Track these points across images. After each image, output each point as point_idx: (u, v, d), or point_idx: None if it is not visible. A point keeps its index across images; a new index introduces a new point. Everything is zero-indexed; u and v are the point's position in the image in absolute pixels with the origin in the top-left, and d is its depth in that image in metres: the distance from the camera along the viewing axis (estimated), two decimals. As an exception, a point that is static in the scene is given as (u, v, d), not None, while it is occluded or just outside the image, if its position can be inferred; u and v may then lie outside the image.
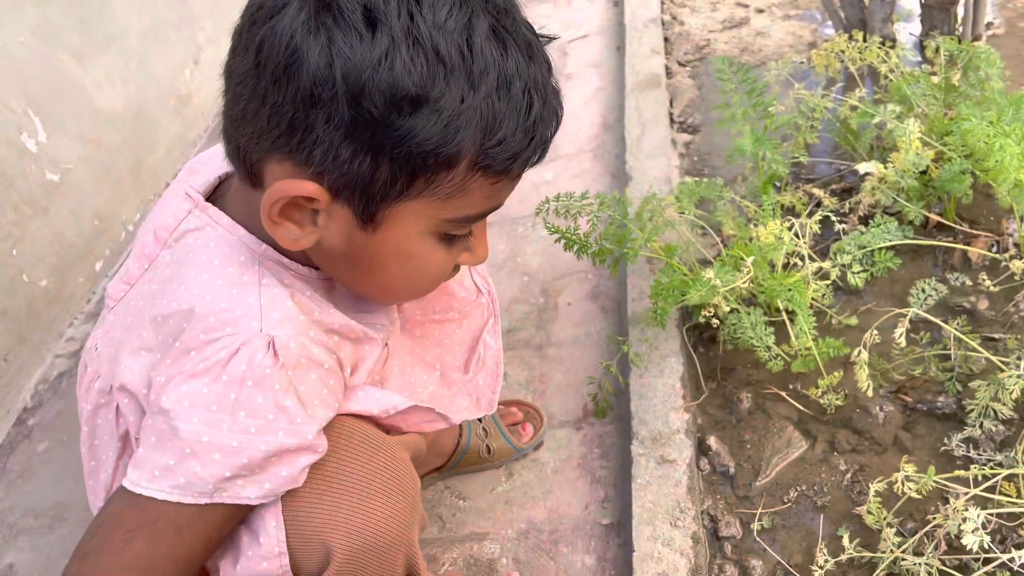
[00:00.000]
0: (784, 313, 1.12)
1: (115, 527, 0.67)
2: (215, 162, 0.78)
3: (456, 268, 0.78)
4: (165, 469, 0.65)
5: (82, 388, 0.79)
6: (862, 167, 1.21)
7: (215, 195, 0.76)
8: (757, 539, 0.98)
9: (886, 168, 1.19)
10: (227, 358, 0.65)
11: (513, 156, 0.64)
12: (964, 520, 0.84)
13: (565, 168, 1.77)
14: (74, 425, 1.53)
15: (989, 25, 1.62)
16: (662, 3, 2.16)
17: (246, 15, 0.62)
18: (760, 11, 1.99)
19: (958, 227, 1.22)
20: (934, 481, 0.89)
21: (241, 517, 0.71)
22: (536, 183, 1.75)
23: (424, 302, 0.95)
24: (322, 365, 0.69)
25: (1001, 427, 0.99)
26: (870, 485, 0.94)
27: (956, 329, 1.01)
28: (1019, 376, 0.92)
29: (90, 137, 1.85)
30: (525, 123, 0.63)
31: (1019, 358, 0.95)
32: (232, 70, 0.63)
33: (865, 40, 1.34)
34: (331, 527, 0.71)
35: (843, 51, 1.33)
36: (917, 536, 0.89)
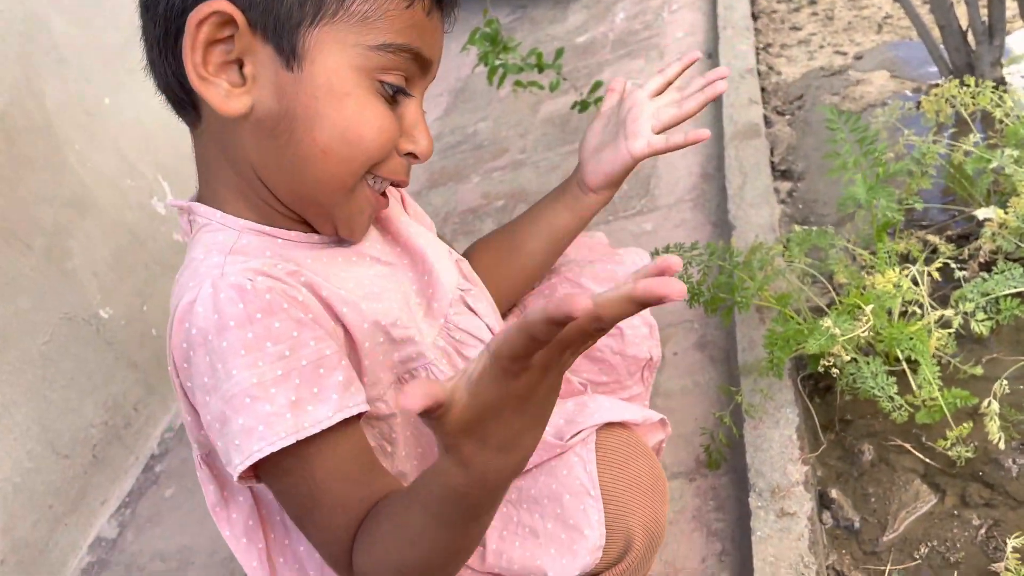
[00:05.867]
0: (904, 363, 1.10)
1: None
2: None
3: (405, 164, 0.74)
4: (242, 431, 0.63)
5: None
6: (980, 213, 1.18)
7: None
8: (888, 596, 0.95)
9: (1006, 213, 1.16)
10: (213, 305, 0.64)
11: None
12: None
13: (665, 218, 1.78)
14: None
15: (1106, 64, 1.57)
16: (757, 54, 2.18)
17: None
18: (859, 58, 1.99)
19: (1087, 272, 1.18)
20: (1079, 538, 0.85)
21: (358, 441, 0.70)
22: (636, 233, 1.77)
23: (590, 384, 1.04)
24: (289, 294, 0.68)
25: None
26: (1007, 541, 0.91)
27: (1094, 378, 0.97)
28: None
29: (211, 199, 1.97)
30: None
31: None
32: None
33: (976, 84, 1.32)
34: (636, 520, 0.81)
35: (954, 96, 1.32)
36: (1064, 596, 0.85)
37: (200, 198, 0.75)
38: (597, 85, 1.96)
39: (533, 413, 0.53)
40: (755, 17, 2.39)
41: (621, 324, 1.06)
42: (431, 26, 0.70)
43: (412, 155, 0.74)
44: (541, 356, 0.47)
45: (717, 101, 2.04)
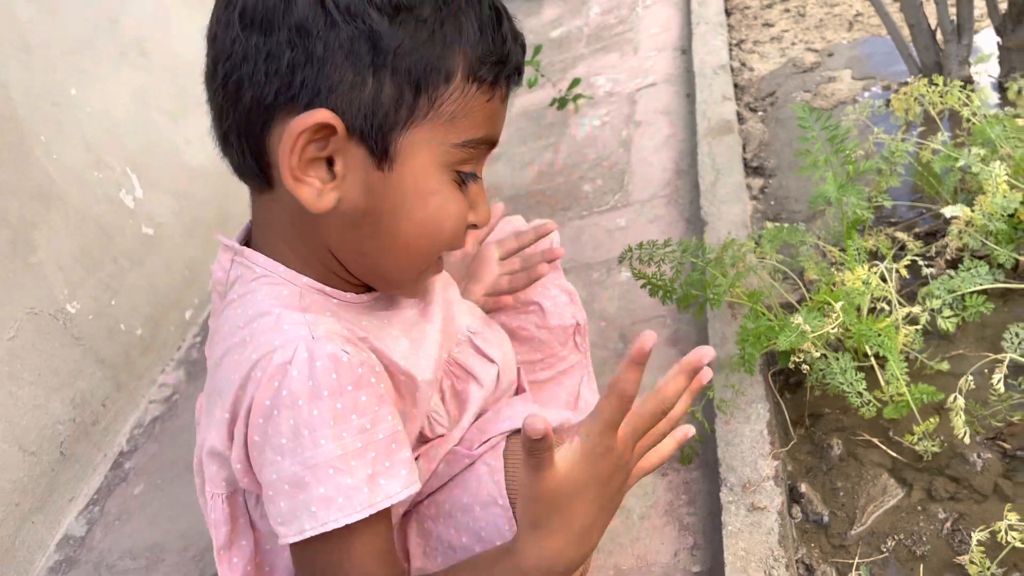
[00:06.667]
0: (873, 359, 1.11)
1: None
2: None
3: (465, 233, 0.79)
4: (321, 500, 0.65)
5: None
6: (948, 211, 1.20)
7: (250, 241, 0.79)
8: (855, 589, 0.97)
9: (972, 211, 1.18)
10: (308, 371, 0.65)
11: (499, 61, 0.69)
12: (1076, 572, 0.82)
13: (639, 214, 1.79)
14: (168, 468, 1.58)
15: (1070, 64, 1.60)
16: (731, 50, 2.19)
17: (218, 5, 0.66)
18: (830, 55, 2.00)
19: (1050, 270, 1.20)
20: (1040, 531, 0.87)
21: (390, 521, 0.73)
22: (610, 229, 1.78)
23: (526, 364, 1.03)
24: (374, 368, 0.71)
25: (1108, 475, 0.97)
26: (971, 534, 0.92)
27: (1056, 374, 0.99)
28: None
29: (181, 192, 1.95)
30: (500, 31, 0.68)
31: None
32: (217, 58, 0.66)
33: (944, 84, 1.33)
34: None
35: (923, 95, 1.34)
36: (1026, 588, 0.87)
37: (255, 246, 0.75)
38: (575, 83, 1.96)
39: (605, 504, 0.63)
40: (728, 13, 2.41)
41: (539, 298, 1.07)
42: (502, 109, 0.73)
43: (473, 225, 0.77)
44: (621, 438, 0.59)
45: (691, 97, 2.05)
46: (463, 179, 0.72)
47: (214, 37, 0.66)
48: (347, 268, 0.75)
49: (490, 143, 0.73)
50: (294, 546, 0.70)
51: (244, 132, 0.67)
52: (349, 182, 0.67)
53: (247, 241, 0.78)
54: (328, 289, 0.74)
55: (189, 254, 1.94)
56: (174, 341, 1.86)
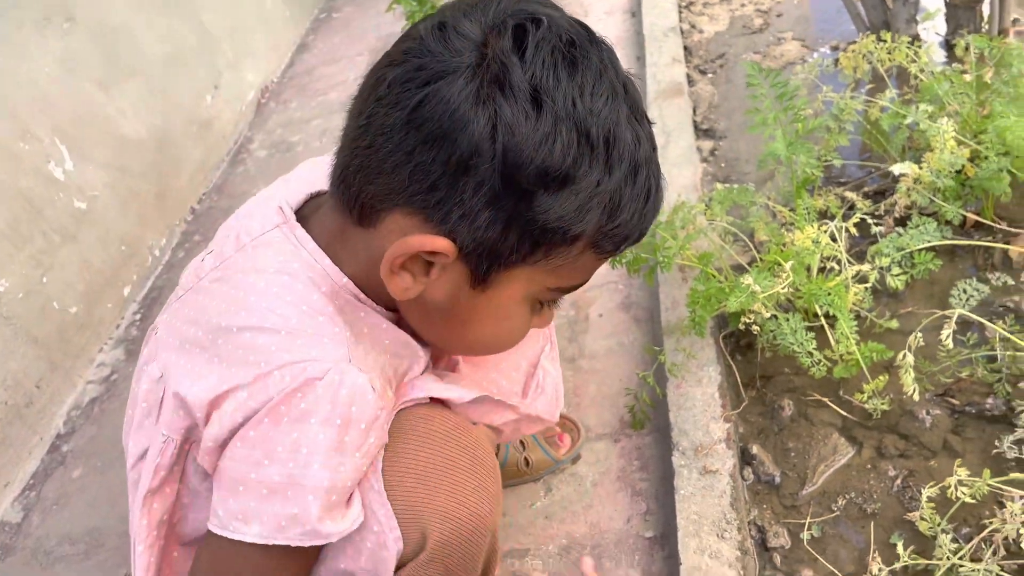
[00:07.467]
0: (823, 318, 1.10)
1: None
2: (308, 177, 0.79)
3: None
4: (290, 518, 0.65)
5: (139, 366, 0.78)
6: (896, 168, 1.19)
7: (301, 213, 0.76)
8: (807, 549, 0.96)
9: (920, 168, 1.17)
10: (332, 394, 0.65)
11: (625, 238, 0.67)
12: (1023, 524, 0.82)
13: (589, 179, 1.76)
14: (108, 451, 1.53)
15: (1015, 21, 1.60)
16: (680, 12, 2.16)
17: (398, 72, 0.61)
18: (779, 16, 1.99)
19: (997, 226, 1.20)
20: (988, 485, 0.87)
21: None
22: (560, 195, 1.75)
23: None
24: (390, 413, 0.73)
25: (1054, 428, 0.97)
26: (921, 491, 0.92)
27: (1004, 329, 0.99)
28: (1072, 375, 0.90)
29: (116, 164, 1.86)
30: (643, 209, 0.66)
31: (1071, 357, 0.93)
32: (372, 121, 0.62)
33: (892, 41, 1.32)
34: (429, 512, 0.73)
35: (871, 52, 1.32)
36: (975, 542, 0.87)
37: (310, 228, 0.73)
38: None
39: None
40: (678, -25, 2.37)
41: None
42: (609, 258, 0.72)
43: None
44: None
45: (641, 60, 2.02)
46: (542, 304, 0.74)
47: (379, 99, 0.62)
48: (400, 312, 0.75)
49: (582, 285, 0.73)
50: (209, 549, 0.69)
51: (366, 192, 0.65)
52: (438, 284, 0.67)
53: (300, 207, 0.76)
54: (362, 296, 0.73)
55: (125, 228, 1.87)
56: (112, 319, 1.79)
